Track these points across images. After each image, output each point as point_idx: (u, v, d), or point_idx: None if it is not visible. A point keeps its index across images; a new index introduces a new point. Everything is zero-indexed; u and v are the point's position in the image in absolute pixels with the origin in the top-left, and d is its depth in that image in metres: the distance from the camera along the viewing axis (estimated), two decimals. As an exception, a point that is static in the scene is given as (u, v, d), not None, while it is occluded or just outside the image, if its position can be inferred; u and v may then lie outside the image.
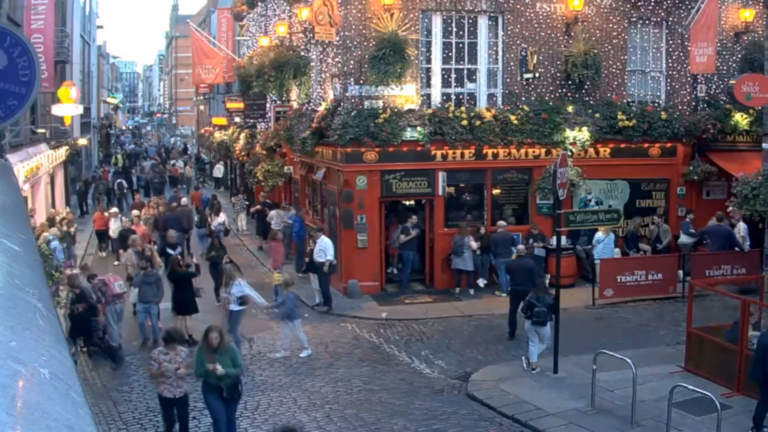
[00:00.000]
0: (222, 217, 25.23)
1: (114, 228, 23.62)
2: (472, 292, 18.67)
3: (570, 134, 19.41)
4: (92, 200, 34.61)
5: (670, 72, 20.84)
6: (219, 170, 43.17)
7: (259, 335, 15.93)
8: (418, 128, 18.58)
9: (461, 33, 19.43)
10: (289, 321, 14.53)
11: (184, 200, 26.85)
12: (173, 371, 10.19)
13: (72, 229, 22.45)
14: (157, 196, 30.58)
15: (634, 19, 20.58)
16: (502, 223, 18.81)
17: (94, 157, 50.28)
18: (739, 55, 20.82)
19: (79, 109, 26.89)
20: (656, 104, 20.78)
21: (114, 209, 24.93)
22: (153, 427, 11.35)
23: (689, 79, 20.78)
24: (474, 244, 18.37)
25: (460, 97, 19.59)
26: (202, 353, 10.00)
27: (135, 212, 23.80)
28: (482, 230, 18.93)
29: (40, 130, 23.60)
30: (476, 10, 19.30)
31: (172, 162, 48.33)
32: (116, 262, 21.41)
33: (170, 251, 18.03)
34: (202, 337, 10.19)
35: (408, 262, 19.11)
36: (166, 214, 23.41)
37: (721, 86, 20.88)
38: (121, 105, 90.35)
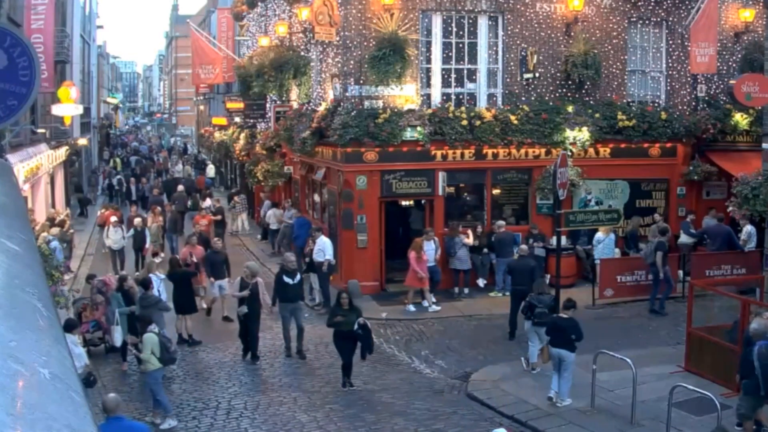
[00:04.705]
0: (209, 201, 26.92)
1: (115, 239, 21.54)
2: (466, 291, 18.63)
3: (570, 134, 19.40)
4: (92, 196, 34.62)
5: (670, 72, 20.83)
6: (211, 170, 43.01)
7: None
8: (418, 128, 18.57)
9: (461, 33, 19.42)
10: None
11: (180, 187, 30.51)
12: None
13: (70, 232, 22.29)
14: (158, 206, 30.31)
15: (634, 19, 20.57)
16: (501, 222, 18.82)
17: (94, 157, 50.22)
18: (739, 55, 20.82)
19: (79, 109, 26.87)
20: (656, 104, 20.78)
21: (114, 218, 22.50)
22: (152, 426, 11.35)
23: (689, 79, 20.78)
24: (468, 240, 18.37)
25: (460, 97, 19.58)
26: None
27: (138, 220, 22.41)
28: (479, 228, 18.90)
29: (40, 130, 23.57)
30: (476, 10, 19.29)
31: (156, 157, 48.44)
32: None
33: (287, 280, 14.68)
34: None
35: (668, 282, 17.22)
36: (173, 195, 29.13)
37: (721, 86, 20.88)
38: (121, 105, 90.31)
